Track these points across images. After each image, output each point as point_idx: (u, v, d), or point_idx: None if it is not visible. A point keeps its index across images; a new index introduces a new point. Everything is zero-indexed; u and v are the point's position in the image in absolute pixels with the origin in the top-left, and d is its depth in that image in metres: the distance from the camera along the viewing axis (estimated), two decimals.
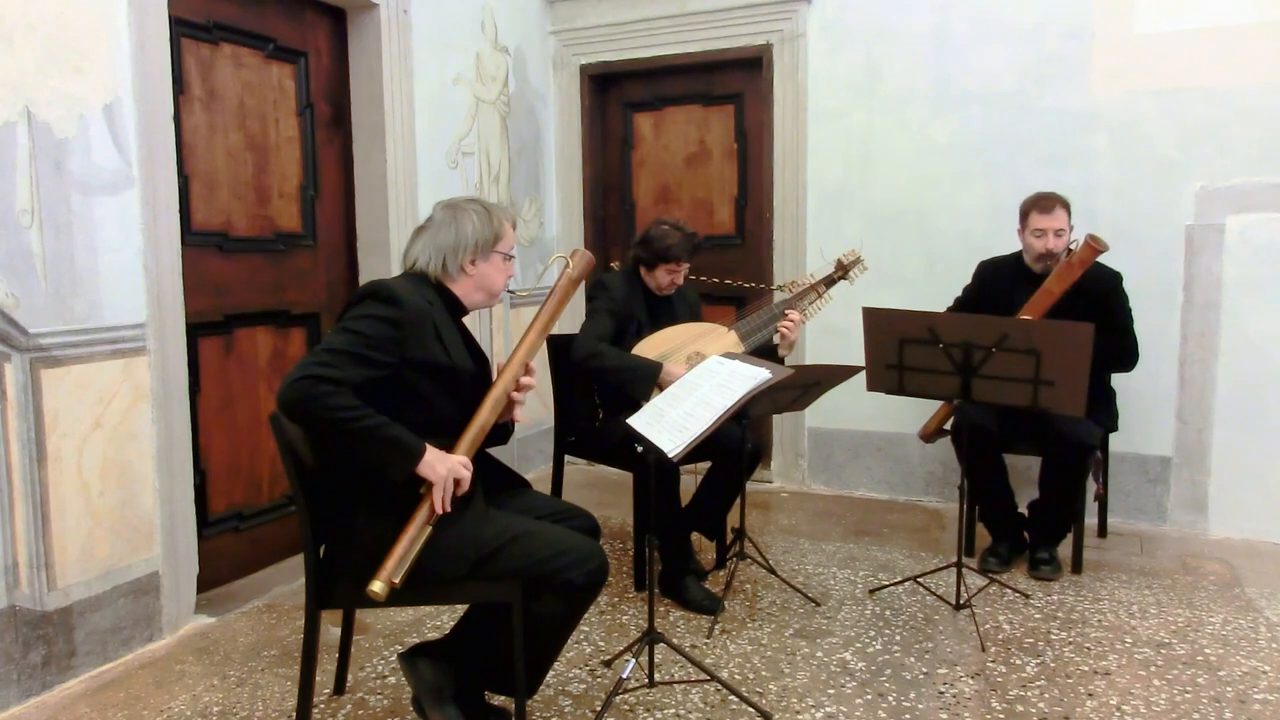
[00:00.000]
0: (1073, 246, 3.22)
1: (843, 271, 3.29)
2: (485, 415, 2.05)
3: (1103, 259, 3.21)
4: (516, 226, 2.35)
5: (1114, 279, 3.30)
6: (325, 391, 1.85)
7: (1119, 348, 3.24)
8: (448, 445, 1.99)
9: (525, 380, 2.12)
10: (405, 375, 1.99)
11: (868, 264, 3.33)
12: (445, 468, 1.93)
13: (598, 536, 2.23)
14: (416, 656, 2.17)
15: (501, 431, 2.18)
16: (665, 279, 3.17)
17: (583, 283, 2.28)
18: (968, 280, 3.59)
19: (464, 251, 2.12)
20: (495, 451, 2.25)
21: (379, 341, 1.94)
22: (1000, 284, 3.43)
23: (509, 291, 4.34)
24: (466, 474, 1.97)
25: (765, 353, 3.13)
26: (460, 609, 2.74)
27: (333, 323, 2.24)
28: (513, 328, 4.40)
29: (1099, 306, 3.15)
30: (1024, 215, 3.34)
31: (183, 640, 2.80)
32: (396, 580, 1.87)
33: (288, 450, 2.01)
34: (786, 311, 3.15)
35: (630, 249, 3.26)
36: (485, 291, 2.18)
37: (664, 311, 3.24)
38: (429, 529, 1.94)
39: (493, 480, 2.22)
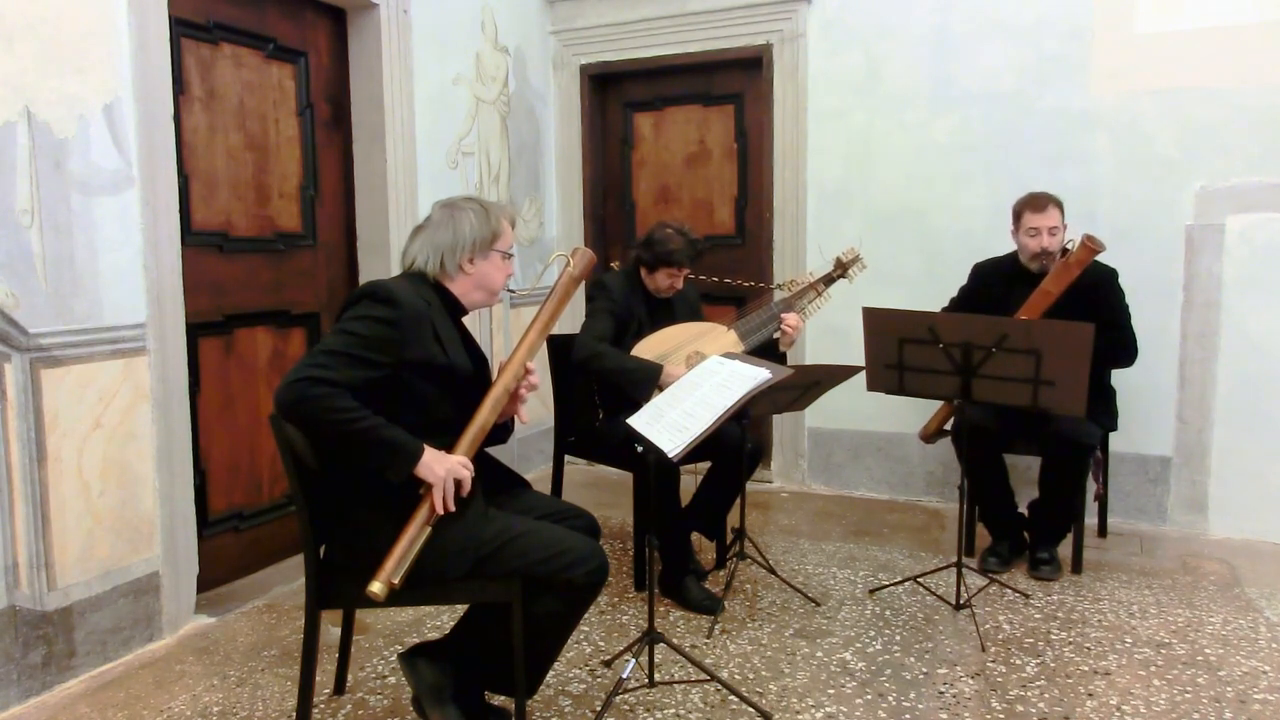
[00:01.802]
0: (1069, 246, 3.22)
1: (841, 270, 3.29)
2: (485, 415, 2.05)
3: (1103, 258, 3.20)
4: (516, 225, 2.35)
5: (1109, 275, 3.30)
6: (322, 393, 1.85)
7: (1117, 343, 3.24)
8: (447, 446, 1.99)
9: (530, 380, 2.12)
10: (403, 376, 1.98)
11: (867, 263, 3.33)
12: (444, 469, 1.93)
13: (598, 536, 2.23)
14: (416, 656, 2.17)
15: (501, 431, 2.18)
16: (665, 282, 3.17)
17: (583, 282, 2.28)
18: (966, 280, 3.59)
19: (462, 250, 2.12)
20: (495, 451, 2.25)
21: (376, 342, 1.94)
22: (996, 285, 3.42)
23: (509, 291, 4.34)
24: (467, 474, 1.96)
25: (767, 351, 3.13)
26: (460, 609, 2.74)
27: (332, 323, 2.24)
28: (513, 328, 4.40)
29: (1095, 303, 3.15)
30: (1017, 216, 3.34)
31: (183, 640, 2.80)
32: (396, 581, 1.87)
33: (287, 450, 2.01)
34: (783, 315, 3.15)
35: (632, 249, 3.26)
36: (484, 290, 2.18)
37: (664, 311, 3.24)
38: (428, 529, 1.93)
39: (492, 480, 2.22)
